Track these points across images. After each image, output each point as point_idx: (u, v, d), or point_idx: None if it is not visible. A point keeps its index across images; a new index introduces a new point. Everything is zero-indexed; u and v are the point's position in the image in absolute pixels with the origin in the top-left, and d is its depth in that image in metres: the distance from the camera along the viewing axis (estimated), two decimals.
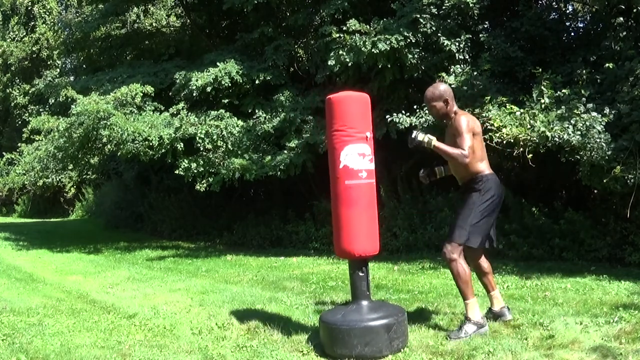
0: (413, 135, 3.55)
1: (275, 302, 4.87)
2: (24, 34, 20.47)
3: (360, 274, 3.52)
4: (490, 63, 6.23)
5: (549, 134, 5.31)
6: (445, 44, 6.57)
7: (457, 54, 6.59)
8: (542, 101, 5.63)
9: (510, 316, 3.80)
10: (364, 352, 3.28)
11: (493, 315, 3.80)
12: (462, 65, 6.51)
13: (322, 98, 7.43)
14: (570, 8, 7.69)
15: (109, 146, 8.54)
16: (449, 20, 6.76)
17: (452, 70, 6.44)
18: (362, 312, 3.45)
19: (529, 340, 3.41)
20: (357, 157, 3.44)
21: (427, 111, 6.28)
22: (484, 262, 3.78)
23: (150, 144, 8.14)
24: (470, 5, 6.60)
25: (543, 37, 6.54)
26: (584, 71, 5.76)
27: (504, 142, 5.48)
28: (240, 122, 8.34)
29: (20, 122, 18.89)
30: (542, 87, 5.68)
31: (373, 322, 3.34)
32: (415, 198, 7.47)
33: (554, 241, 5.99)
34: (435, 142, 3.52)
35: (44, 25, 19.92)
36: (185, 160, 8.23)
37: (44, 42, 19.89)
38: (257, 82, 8.45)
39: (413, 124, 6.32)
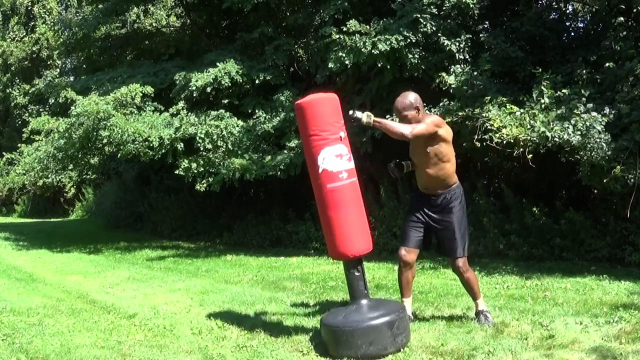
0: (356, 115, 3.42)
1: (275, 302, 4.87)
2: (24, 34, 20.46)
3: (357, 273, 3.52)
4: (490, 63, 6.23)
5: (549, 134, 5.31)
6: (445, 44, 6.56)
7: (457, 54, 6.59)
8: (542, 101, 5.63)
9: None
10: (369, 351, 3.27)
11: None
12: (462, 65, 6.50)
13: None
14: (570, 8, 7.68)
15: (108, 147, 8.54)
16: (449, 20, 6.76)
17: (452, 70, 6.43)
18: (362, 311, 3.44)
19: (529, 340, 3.41)
20: (334, 159, 3.43)
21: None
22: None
23: (151, 144, 8.14)
24: (470, 5, 6.60)
25: (543, 37, 6.53)
26: (584, 71, 5.75)
27: (504, 142, 5.48)
28: (240, 122, 8.33)
29: (20, 122, 18.87)
30: (542, 87, 5.68)
31: (375, 320, 3.34)
32: None
33: (554, 241, 5.98)
34: (373, 117, 3.45)
35: (44, 25, 19.88)
36: (185, 160, 8.22)
37: (44, 42, 19.87)
38: (257, 82, 8.44)
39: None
